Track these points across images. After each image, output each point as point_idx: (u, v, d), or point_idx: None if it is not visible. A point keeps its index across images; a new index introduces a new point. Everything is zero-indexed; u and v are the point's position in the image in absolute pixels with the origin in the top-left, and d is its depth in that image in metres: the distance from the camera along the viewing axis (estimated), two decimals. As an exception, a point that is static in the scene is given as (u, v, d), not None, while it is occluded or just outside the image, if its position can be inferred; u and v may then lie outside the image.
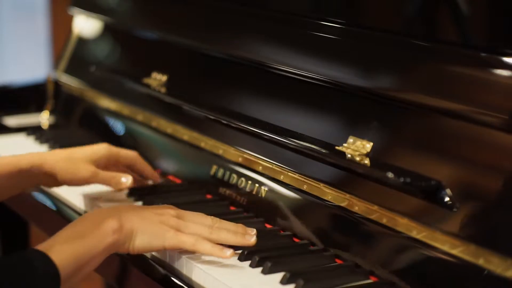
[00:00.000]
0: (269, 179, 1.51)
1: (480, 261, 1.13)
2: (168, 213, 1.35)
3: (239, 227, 1.35)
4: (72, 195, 1.68)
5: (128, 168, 1.65)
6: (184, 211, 1.37)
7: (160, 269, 1.36)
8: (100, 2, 2.19)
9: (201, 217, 1.36)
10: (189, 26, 1.86)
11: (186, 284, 1.31)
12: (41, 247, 1.25)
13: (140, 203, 1.58)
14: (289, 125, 1.50)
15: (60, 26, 3.38)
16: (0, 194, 1.57)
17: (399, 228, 1.25)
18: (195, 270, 1.31)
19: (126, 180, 1.56)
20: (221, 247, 1.30)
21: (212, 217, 1.36)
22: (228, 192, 1.58)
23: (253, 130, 1.56)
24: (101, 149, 1.62)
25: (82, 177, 1.56)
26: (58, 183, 1.59)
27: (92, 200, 1.61)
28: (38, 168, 1.55)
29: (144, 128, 1.87)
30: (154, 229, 1.32)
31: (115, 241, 1.29)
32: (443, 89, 1.27)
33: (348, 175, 1.37)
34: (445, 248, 1.18)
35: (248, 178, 1.55)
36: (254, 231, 1.35)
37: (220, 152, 1.63)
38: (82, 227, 1.30)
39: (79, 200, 1.65)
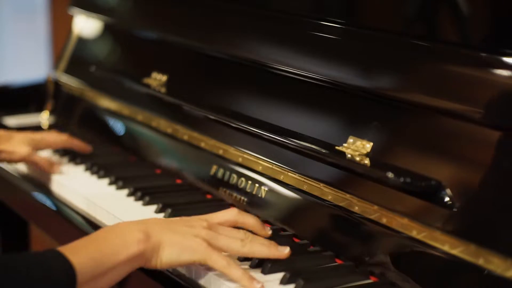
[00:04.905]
0: (269, 179, 1.51)
1: (480, 261, 1.13)
2: (199, 225, 1.28)
3: (272, 242, 1.30)
4: (73, 195, 1.68)
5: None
6: (217, 222, 1.31)
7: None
8: (100, 2, 2.19)
9: (233, 231, 1.30)
10: (189, 26, 1.86)
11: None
12: (60, 248, 1.20)
13: (140, 203, 1.58)
14: (289, 125, 1.50)
15: (60, 26, 3.38)
16: None
17: (399, 228, 1.25)
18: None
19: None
20: (250, 277, 1.22)
21: (244, 231, 1.31)
22: (228, 192, 1.58)
23: (253, 130, 1.56)
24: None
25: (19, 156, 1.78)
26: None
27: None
28: None
29: (144, 128, 1.87)
30: (185, 242, 1.25)
31: (140, 253, 1.23)
32: (443, 89, 1.27)
33: (348, 175, 1.37)
34: (445, 248, 1.18)
35: (248, 178, 1.55)
36: (288, 248, 1.29)
37: (220, 152, 1.63)
38: (106, 234, 1.26)
39: (80, 200, 1.65)
